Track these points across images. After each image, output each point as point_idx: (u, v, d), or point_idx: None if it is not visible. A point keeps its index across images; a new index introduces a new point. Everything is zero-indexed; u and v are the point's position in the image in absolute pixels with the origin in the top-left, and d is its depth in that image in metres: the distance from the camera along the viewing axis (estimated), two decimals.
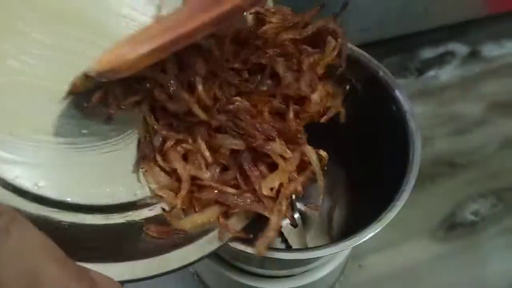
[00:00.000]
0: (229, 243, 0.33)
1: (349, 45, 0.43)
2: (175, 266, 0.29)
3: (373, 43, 0.62)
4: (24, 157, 0.28)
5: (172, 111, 0.33)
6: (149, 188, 0.32)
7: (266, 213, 0.32)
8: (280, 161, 0.33)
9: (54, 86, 0.30)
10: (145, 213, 0.32)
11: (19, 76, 0.29)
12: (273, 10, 0.38)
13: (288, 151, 0.33)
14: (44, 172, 0.28)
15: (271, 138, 0.34)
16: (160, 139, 0.33)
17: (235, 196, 0.32)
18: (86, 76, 0.30)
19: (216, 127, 0.34)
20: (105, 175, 0.31)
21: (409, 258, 0.55)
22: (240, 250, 0.33)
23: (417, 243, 0.56)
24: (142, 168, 0.33)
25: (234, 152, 0.34)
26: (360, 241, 0.32)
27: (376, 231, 0.32)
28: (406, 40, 0.70)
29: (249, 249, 0.33)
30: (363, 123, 0.45)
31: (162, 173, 0.33)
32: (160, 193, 0.32)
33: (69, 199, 0.28)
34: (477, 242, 0.56)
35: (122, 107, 0.32)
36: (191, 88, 0.33)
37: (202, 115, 0.33)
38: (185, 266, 0.29)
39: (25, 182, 0.27)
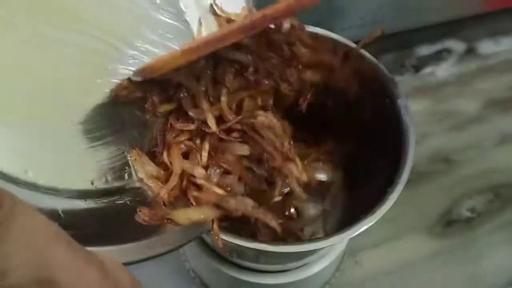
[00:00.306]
0: (225, 238, 0.33)
1: (345, 41, 0.43)
2: (162, 251, 0.29)
3: None
4: (12, 143, 0.28)
5: (191, 117, 0.35)
6: (137, 176, 0.33)
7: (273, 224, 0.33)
8: (295, 186, 0.35)
9: (48, 75, 0.30)
10: (134, 195, 0.32)
11: (15, 66, 0.28)
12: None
13: (304, 174, 0.34)
14: (32, 159, 0.28)
15: (290, 159, 0.34)
16: (174, 135, 0.34)
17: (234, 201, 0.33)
18: (129, 80, 0.32)
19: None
20: (92, 161, 0.31)
21: (405, 254, 0.55)
22: (236, 244, 0.33)
23: (413, 239, 0.56)
24: (131, 157, 0.33)
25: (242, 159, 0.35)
26: (354, 234, 0.32)
27: (370, 224, 0.32)
28: (403, 37, 0.70)
29: (243, 243, 0.33)
30: (357, 120, 0.45)
31: (151, 163, 0.33)
32: (147, 182, 0.33)
33: (59, 186, 0.29)
34: (473, 238, 0.56)
35: (158, 114, 0.34)
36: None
37: (213, 127, 0.34)
38: (172, 250, 0.30)
39: (14, 169, 0.27)
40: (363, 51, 0.42)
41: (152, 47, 0.33)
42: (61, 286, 0.19)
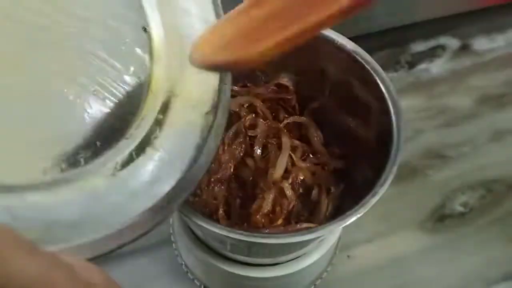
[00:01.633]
0: (216, 230, 0.33)
1: (338, 37, 0.43)
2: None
3: (364, 36, 0.62)
4: None
5: None
6: None
7: None
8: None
9: None
10: None
11: None
12: None
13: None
14: None
15: None
16: None
17: None
18: None
19: None
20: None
21: (397, 249, 0.55)
22: (227, 237, 0.33)
23: (406, 234, 0.56)
24: None
25: None
26: (341, 226, 0.32)
27: (358, 215, 0.32)
28: (397, 34, 0.70)
29: (236, 235, 0.33)
30: (347, 115, 0.45)
31: None
32: None
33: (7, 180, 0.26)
34: (466, 233, 0.56)
35: None
36: None
37: None
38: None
39: None
40: (356, 47, 0.43)
41: None
42: None
